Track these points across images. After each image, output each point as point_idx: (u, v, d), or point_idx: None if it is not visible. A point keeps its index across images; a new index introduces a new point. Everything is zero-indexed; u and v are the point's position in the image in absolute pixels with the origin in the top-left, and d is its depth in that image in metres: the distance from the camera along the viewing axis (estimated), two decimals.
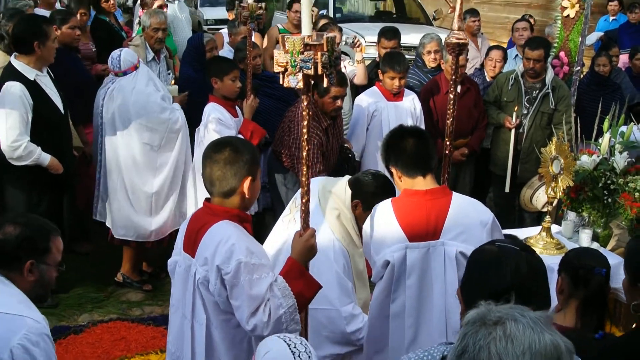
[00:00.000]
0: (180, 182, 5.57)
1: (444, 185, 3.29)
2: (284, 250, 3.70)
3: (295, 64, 2.64)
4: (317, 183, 3.77)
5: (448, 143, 3.48)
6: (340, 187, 3.73)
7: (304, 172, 2.93)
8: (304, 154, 2.89)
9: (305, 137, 2.87)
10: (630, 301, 2.40)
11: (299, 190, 4.06)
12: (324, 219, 3.70)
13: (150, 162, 5.44)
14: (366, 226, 3.31)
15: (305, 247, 2.99)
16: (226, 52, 6.98)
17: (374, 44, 7.93)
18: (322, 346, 3.51)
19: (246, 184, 2.93)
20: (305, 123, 2.85)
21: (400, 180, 3.28)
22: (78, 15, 6.60)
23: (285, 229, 3.96)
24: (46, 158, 4.99)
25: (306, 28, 2.68)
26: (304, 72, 2.64)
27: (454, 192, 3.25)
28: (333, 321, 3.54)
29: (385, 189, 3.66)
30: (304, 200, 2.97)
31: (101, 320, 5.30)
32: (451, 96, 3.38)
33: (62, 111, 5.21)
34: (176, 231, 5.59)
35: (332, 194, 3.74)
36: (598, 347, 2.48)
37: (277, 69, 2.73)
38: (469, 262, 2.32)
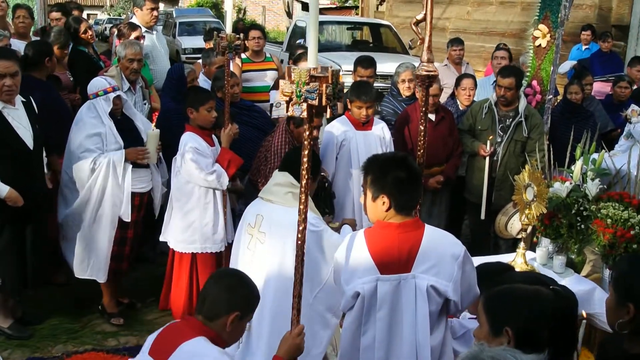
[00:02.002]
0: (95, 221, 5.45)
1: (416, 218, 3.30)
2: (272, 280, 3.86)
3: (301, 94, 2.73)
4: (260, 195, 4.12)
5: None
6: (278, 178, 4.05)
7: (302, 200, 2.97)
8: (303, 182, 2.94)
9: (306, 166, 2.92)
10: (613, 321, 2.43)
11: (245, 214, 4.16)
12: (289, 209, 3.87)
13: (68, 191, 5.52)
14: (339, 255, 3.31)
15: (294, 346, 3.06)
16: (201, 81, 7.00)
17: (351, 73, 8.00)
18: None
19: (232, 317, 2.95)
20: (306, 152, 2.91)
21: (386, 210, 3.23)
22: (60, 51, 6.65)
23: (253, 255, 4.01)
24: (4, 190, 4.95)
25: (312, 60, 2.80)
26: (309, 102, 2.73)
27: (426, 225, 3.26)
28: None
29: (316, 157, 4.21)
30: (300, 228, 3.00)
31: (76, 351, 5.24)
32: (421, 127, 3.40)
33: (31, 146, 5.16)
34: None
35: (276, 186, 4.03)
36: None
37: (282, 98, 2.82)
38: (507, 288, 2.37)
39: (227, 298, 2.95)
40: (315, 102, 2.72)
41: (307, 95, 2.72)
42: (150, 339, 3.01)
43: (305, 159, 2.91)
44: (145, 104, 6.80)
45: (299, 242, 3.02)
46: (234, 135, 5.61)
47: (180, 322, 3.06)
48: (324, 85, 2.71)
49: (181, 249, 5.44)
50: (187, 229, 5.38)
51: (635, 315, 2.35)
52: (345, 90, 6.64)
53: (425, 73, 3.21)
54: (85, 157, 5.33)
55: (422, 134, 3.36)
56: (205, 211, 5.38)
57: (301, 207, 2.98)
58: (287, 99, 2.78)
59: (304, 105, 2.75)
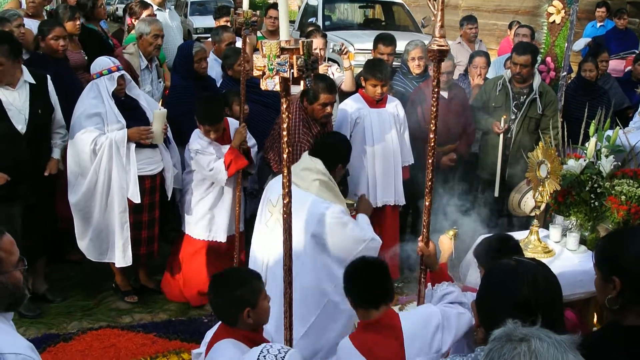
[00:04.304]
0: (100, 204, 5.43)
1: (390, 310, 3.35)
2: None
3: (272, 67, 2.74)
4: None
5: (431, 150, 3.48)
6: (307, 162, 4.05)
7: (285, 174, 3.01)
8: (285, 156, 2.97)
9: (285, 139, 2.95)
10: (603, 300, 2.42)
11: (268, 188, 4.18)
12: (312, 195, 3.98)
13: (73, 177, 5.47)
14: None
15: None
16: (211, 60, 6.97)
17: (363, 51, 7.98)
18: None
19: (244, 315, 3.11)
20: (284, 125, 2.93)
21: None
22: (70, 24, 6.61)
23: (271, 233, 4.04)
24: None
25: (283, 33, 2.80)
26: (280, 74, 2.74)
27: (399, 314, 3.35)
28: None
29: (342, 143, 4.39)
30: (285, 202, 3.04)
31: (91, 328, 5.30)
32: (433, 104, 3.38)
33: (22, 129, 5.18)
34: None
35: (304, 170, 4.02)
36: None
37: (255, 72, 2.83)
38: (485, 276, 2.34)
39: (229, 305, 3.15)
40: (287, 74, 2.73)
41: (278, 67, 2.73)
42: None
43: (284, 132, 2.94)
44: (160, 82, 6.81)
45: (285, 215, 3.06)
46: (245, 116, 5.63)
47: (220, 326, 3.29)
48: (295, 57, 2.72)
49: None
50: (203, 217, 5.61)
51: (622, 288, 2.34)
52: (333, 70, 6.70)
53: (437, 47, 3.18)
54: (85, 139, 5.27)
55: (435, 109, 3.34)
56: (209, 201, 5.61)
57: (284, 180, 3.02)
58: (261, 73, 2.80)
59: (277, 78, 2.76)
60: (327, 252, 4.02)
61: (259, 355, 2.52)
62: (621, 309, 2.36)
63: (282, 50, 2.72)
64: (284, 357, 2.51)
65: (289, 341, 3.27)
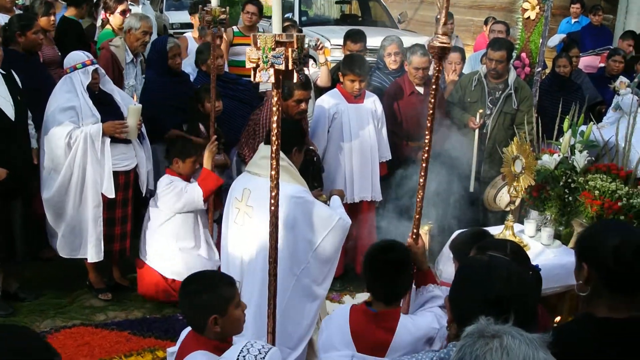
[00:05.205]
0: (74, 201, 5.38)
1: (398, 309, 3.35)
2: (262, 252, 3.84)
3: (267, 59, 2.78)
4: (247, 169, 4.15)
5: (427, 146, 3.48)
6: (264, 151, 3.99)
7: (274, 166, 3.00)
8: (274, 148, 2.99)
9: (275, 132, 2.96)
10: (576, 287, 2.47)
11: (232, 188, 4.16)
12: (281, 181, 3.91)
13: (47, 173, 5.39)
14: (326, 318, 3.49)
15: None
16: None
17: (340, 47, 7.96)
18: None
19: (210, 322, 2.94)
20: (275, 118, 2.95)
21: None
22: (45, 19, 6.55)
23: (241, 228, 4.01)
24: None
25: (276, 27, 2.84)
26: (275, 67, 2.78)
27: (402, 315, 3.33)
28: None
29: (293, 126, 4.28)
30: (273, 194, 3.04)
31: (64, 326, 5.24)
32: (431, 100, 3.37)
33: (12, 117, 5.13)
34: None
35: (262, 159, 3.98)
36: None
37: (248, 65, 2.86)
38: (458, 271, 2.34)
39: (194, 310, 2.99)
40: (282, 67, 2.77)
41: (273, 60, 2.77)
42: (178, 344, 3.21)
43: (274, 125, 2.95)
44: (143, 77, 6.76)
45: (272, 207, 3.06)
46: (217, 113, 5.59)
47: (188, 335, 3.14)
48: (290, 50, 2.76)
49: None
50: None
51: (589, 274, 2.38)
52: (314, 63, 6.69)
53: (439, 45, 3.19)
54: (59, 132, 5.20)
55: (432, 106, 3.34)
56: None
57: (272, 172, 3.02)
58: (254, 65, 2.83)
59: (271, 71, 2.80)
60: (294, 233, 3.97)
61: (238, 356, 2.46)
62: (592, 299, 2.39)
63: (277, 43, 2.76)
64: (264, 357, 2.46)
65: (272, 333, 3.23)
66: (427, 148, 3.45)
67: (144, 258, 5.57)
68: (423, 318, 3.38)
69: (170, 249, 5.46)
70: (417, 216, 3.53)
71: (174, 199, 5.37)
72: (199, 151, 5.56)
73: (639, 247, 2.34)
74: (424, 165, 3.47)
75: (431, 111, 3.36)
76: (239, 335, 3.10)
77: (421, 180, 3.47)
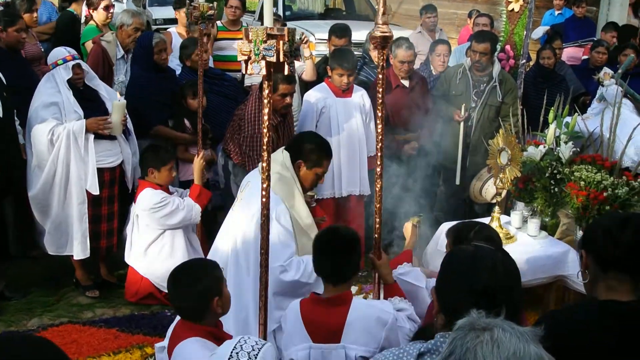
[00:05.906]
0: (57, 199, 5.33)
1: (347, 292, 3.34)
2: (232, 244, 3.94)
3: (259, 52, 2.81)
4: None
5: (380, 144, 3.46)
6: (277, 154, 4.02)
7: (265, 158, 3.02)
8: (265, 140, 3.02)
9: (267, 123, 2.99)
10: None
11: (244, 179, 4.19)
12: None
13: (32, 168, 5.34)
14: (283, 320, 3.50)
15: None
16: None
17: (324, 41, 7.96)
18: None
19: (214, 304, 3.08)
20: (266, 111, 2.98)
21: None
22: (28, 16, 6.51)
23: (231, 214, 4.08)
24: None
25: (268, 20, 2.90)
26: (267, 59, 2.81)
27: (354, 298, 3.34)
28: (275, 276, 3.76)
29: (322, 146, 4.17)
30: (264, 186, 3.05)
31: (51, 324, 5.20)
32: (379, 91, 3.38)
33: (1, 114, 5.09)
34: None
35: (273, 162, 3.88)
36: None
37: (240, 57, 2.89)
38: (444, 261, 2.34)
39: (196, 298, 3.08)
40: (273, 59, 2.80)
41: (265, 52, 2.80)
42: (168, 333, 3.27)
43: (265, 117, 2.98)
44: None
45: (264, 199, 3.07)
46: (203, 108, 5.57)
47: (178, 325, 3.20)
48: (281, 43, 2.79)
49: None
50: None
51: (587, 259, 2.45)
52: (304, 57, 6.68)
53: (380, 34, 3.18)
54: (42, 129, 5.16)
55: (380, 100, 3.35)
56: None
57: (264, 164, 3.03)
58: (246, 57, 2.86)
59: (262, 63, 2.83)
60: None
61: (231, 352, 2.45)
62: (593, 285, 2.45)
63: (269, 36, 2.80)
64: (257, 354, 2.45)
65: (263, 324, 3.23)
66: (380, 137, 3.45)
67: (135, 267, 5.50)
68: (378, 301, 3.46)
69: (165, 265, 5.22)
70: (377, 235, 3.48)
71: (168, 216, 5.26)
72: (173, 156, 5.53)
73: (623, 221, 2.40)
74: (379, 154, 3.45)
75: (380, 107, 3.38)
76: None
77: (377, 186, 3.41)
